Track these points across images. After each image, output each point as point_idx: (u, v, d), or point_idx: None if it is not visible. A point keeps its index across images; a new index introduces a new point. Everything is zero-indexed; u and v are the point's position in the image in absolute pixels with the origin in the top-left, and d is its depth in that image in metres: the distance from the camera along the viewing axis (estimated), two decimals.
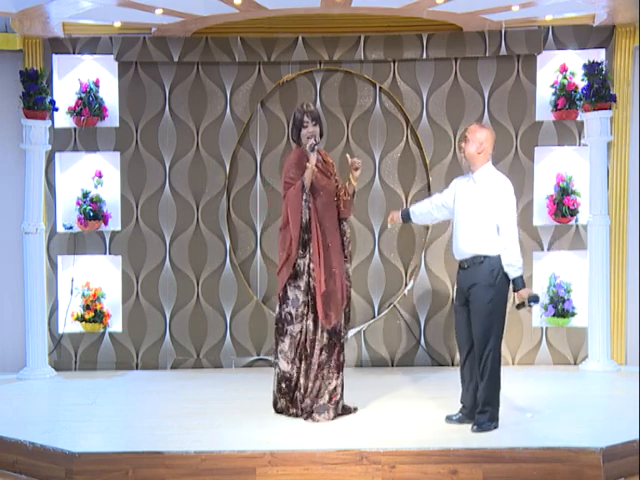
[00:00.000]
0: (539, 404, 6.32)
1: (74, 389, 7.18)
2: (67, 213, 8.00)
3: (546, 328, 7.92)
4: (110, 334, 7.96)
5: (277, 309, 6.14)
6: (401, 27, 7.80)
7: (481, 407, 5.65)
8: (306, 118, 6.04)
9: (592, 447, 5.20)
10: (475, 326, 5.65)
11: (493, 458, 5.20)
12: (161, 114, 7.93)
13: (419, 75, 7.92)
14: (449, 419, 5.85)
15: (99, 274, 8.04)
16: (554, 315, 7.87)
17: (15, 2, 7.00)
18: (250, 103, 7.94)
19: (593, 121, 7.56)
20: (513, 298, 6.03)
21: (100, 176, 7.96)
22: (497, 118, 7.88)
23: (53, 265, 7.91)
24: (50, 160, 7.84)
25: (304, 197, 5.94)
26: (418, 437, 5.48)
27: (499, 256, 5.59)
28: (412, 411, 6.17)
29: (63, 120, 7.95)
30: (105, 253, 7.97)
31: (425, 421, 5.89)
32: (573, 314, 7.88)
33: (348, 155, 6.17)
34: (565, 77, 7.85)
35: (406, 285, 7.99)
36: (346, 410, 6.12)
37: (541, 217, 7.97)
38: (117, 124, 7.94)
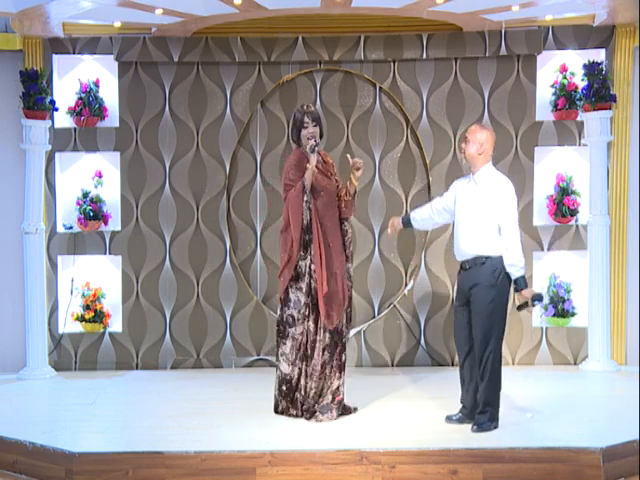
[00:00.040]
0: (539, 404, 6.32)
1: (74, 389, 7.18)
2: (67, 213, 8.00)
3: (546, 328, 7.93)
4: (110, 334, 7.96)
5: (278, 311, 6.13)
6: (401, 27, 7.80)
7: (481, 407, 5.64)
8: (306, 119, 6.04)
9: (592, 447, 5.20)
10: (476, 327, 5.65)
11: (493, 458, 5.20)
12: (161, 114, 7.94)
13: (419, 75, 7.92)
14: (449, 419, 5.85)
15: (99, 274, 8.04)
16: (554, 315, 7.87)
17: (15, 2, 7.00)
18: (250, 103, 7.94)
19: (593, 121, 7.56)
20: (514, 299, 6.02)
21: (100, 176, 7.96)
22: (497, 118, 7.88)
23: (53, 265, 7.91)
24: (50, 160, 7.85)
25: (305, 198, 5.94)
26: (418, 437, 5.48)
27: (501, 257, 5.59)
28: (412, 411, 6.17)
29: (63, 120, 7.95)
30: (105, 253, 7.97)
31: (425, 421, 5.89)
32: (573, 314, 7.89)
33: (349, 155, 6.17)
34: (565, 77, 7.85)
35: (406, 285, 8.00)
36: (346, 410, 6.12)
37: (541, 217, 7.97)
38: (117, 124, 7.94)
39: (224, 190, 7.94)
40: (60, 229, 7.95)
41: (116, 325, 8.00)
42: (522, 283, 5.59)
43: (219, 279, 7.97)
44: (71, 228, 7.92)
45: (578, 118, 7.82)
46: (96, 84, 7.95)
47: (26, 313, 7.61)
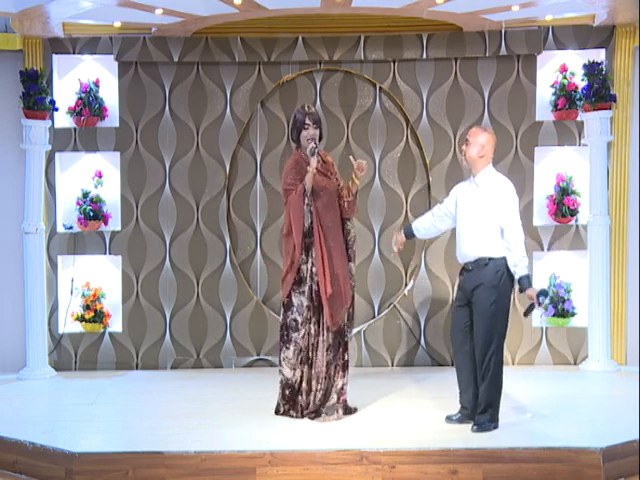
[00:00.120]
0: (539, 404, 6.32)
1: (74, 389, 7.18)
2: (67, 213, 8.00)
3: (546, 328, 7.93)
4: (110, 334, 7.96)
5: (282, 316, 6.11)
6: (401, 27, 7.80)
7: (482, 408, 5.64)
8: (308, 120, 6.03)
9: (592, 447, 5.20)
10: (478, 328, 5.64)
11: (493, 458, 5.19)
12: (161, 114, 7.94)
13: (419, 75, 7.92)
14: (449, 419, 5.84)
15: (99, 274, 8.04)
16: (554, 315, 7.87)
17: (15, 2, 7.00)
18: (250, 103, 7.94)
19: (593, 121, 7.56)
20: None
21: (100, 176, 7.96)
22: (497, 118, 7.88)
23: (53, 265, 7.91)
24: (50, 160, 7.85)
25: (306, 201, 5.94)
26: (418, 437, 5.47)
27: (503, 258, 5.59)
28: (412, 411, 6.17)
29: (63, 120, 7.95)
30: (105, 253, 7.97)
31: (425, 421, 5.89)
32: (573, 314, 7.89)
33: (352, 157, 6.13)
34: (565, 77, 7.85)
35: (406, 285, 8.00)
36: (348, 410, 6.11)
37: (541, 217, 7.97)
38: (117, 124, 7.95)
39: (224, 190, 7.94)
40: (60, 229, 7.95)
41: (116, 325, 8.00)
42: (526, 282, 5.57)
43: (219, 279, 7.97)
44: (71, 228, 7.92)
45: (578, 118, 7.82)
46: (96, 84, 7.96)
47: (26, 313, 7.61)
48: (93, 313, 7.86)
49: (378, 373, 7.68)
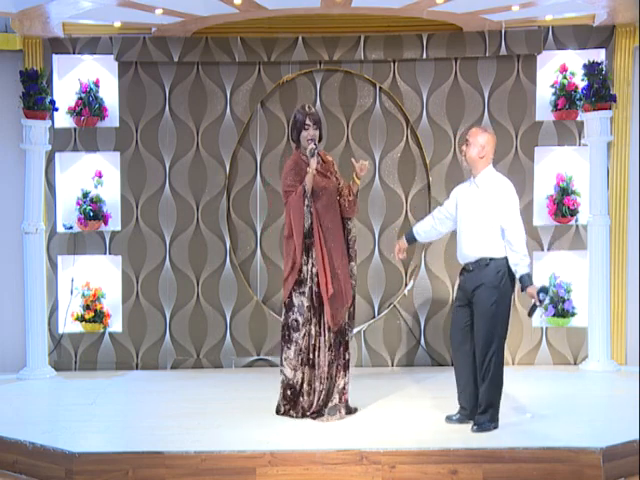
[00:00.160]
0: (539, 404, 6.32)
1: (74, 389, 7.18)
2: (67, 213, 8.00)
3: (546, 328, 7.92)
4: (110, 334, 7.96)
5: (283, 316, 6.12)
6: (401, 27, 7.80)
7: (483, 408, 5.64)
8: (308, 121, 6.03)
9: (592, 447, 5.20)
10: (478, 328, 5.64)
11: (493, 458, 5.19)
12: (161, 114, 7.94)
13: (419, 75, 7.92)
14: (449, 419, 5.84)
15: (99, 274, 8.04)
16: (554, 315, 7.87)
17: (15, 2, 7.00)
18: (250, 103, 7.94)
19: (593, 121, 7.56)
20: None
21: (100, 176, 7.96)
22: (497, 118, 7.88)
23: (53, 265, 7.91)
24: (50, 160, 7.84)
25: (306, 202, 5.94)
26: (418, 437, 5.48)
27: (504, 258, 5.59)
28: (412, 411, 6.17)
29: (63, 120, 7.95)
30: (105, 253, 7.97)
31: (425, 421, 5.90)
32: (573, 314, 7.89)
33: (353, 160, 6.11)
34: (565, 77, 7.85)
35: (406, 285, 7.99)
36: (348, 410, 6.11)
37: (541, 217, 7.97)
38: (117, 124, 7.95)
39: (224, 190, 7.94)
40: (60, 229, 7.95)
41: (116, 325, 8.00)
42: (527, 281, 5.54)
43: (219, 279, 7.97)
44: (71, 228, 7.92)
45: (578, 118, 7.82)
46: (96, 84, 7.95)
47: (26, 313, 7.61)
48: (93, 313, 7.86)
49: (378, 373, 7.68)
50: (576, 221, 7.90)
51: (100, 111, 7.92)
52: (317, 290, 5.97)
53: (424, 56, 7.82)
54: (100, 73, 8.01)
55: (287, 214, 6.05)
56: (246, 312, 7.97)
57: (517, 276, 5.58)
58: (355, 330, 7.80)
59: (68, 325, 7.93)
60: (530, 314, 5.66)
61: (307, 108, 6.10)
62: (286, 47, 7.82)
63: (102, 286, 8.00)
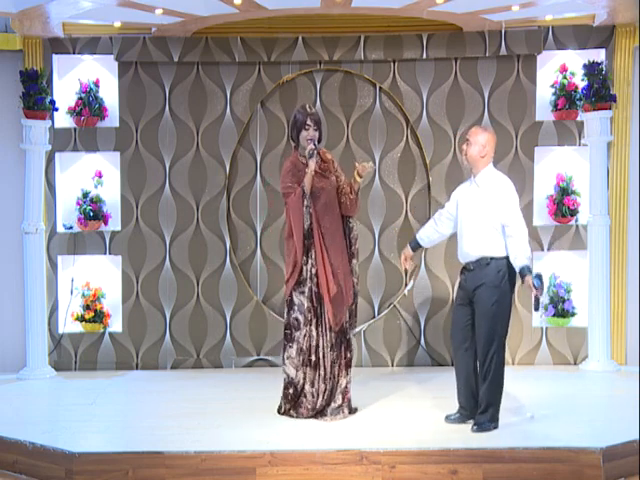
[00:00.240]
0: (539, 404, 6.32)
1: (74, 389, 7.18)
2: (67, 213, 8.00)
3: (546, 328, 7.93)
4: (110, 334, 7.96)
5: (285, 315, 6.14)
6: (401, 27, 7.80)
7: (483, 408, 5.64)
8: (309, 121, 6.02)
9: (592, 447, 5.20)
10: (479, 327, 5.64)
11: (493, 458, 5.20)
12: (161, 114, 7.94)
13: (419, 75, 7.92)
14: (448, 419, 5.84)
15: (99, 274, 8.04)
16: (554, 315, 7.87)
17: (15, 2, 7.00)
18: (250, 103, 7.94)
19: (593, 121, 7.56)
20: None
21: (100, 176, 7.96)
22: (497, 118, 7.88)
23: (53, 265, 7.91)
24: (50, 160, 7.84)
25: (305, 203, 5.94)
26: (418, 437, 5.48)
27: (505, 257, 5.58)
28: (412, 411, 6.18)
29: (63, 120, 7.95)
30: (105, 253, 7.97)
31: (425, 421, 5.90)
32: (573, 314, 7.89)
33: (357, 164, 6.07)
34: (565, 77, 7.85)
35: (406, 285, 7.99)
36: (351, 409, 6.10)
37: (541, 217, 7.97)
38: (117, 124, 7.95)
39: (224, 190, 7.94)
40: (60, 229, 7.95)
41: (116, 325, 8.00)
42: (526, 270, 5.50)
43: (219, 279, 7.97)
44: (71, 228, 7.92)
45: (578, 118, 7.82)
46: (96, 84, 7.95)
47: (26, 313, 7.61)
48: (93, 313, 7.86)
49: (378, 373, 7.68)
50: (576, 221, 7.90)
51: (100, 111, 7.92)
52: (317, 290, 5.97)
53: (424, 56, 7.82)
54: (100, 73, 8.01)
55: (287, 215, 6.05)
56: (246, 312, 7.97)
57: (517, 269, 5.55)
58: (356, 330, 7.80)
59: (68, 325, 7.93)
60: (536, 308, 5.64)
61: (308, 108, 6.10)
62: (286, 47, 7.82)
63: (102, 286, 8.00)
